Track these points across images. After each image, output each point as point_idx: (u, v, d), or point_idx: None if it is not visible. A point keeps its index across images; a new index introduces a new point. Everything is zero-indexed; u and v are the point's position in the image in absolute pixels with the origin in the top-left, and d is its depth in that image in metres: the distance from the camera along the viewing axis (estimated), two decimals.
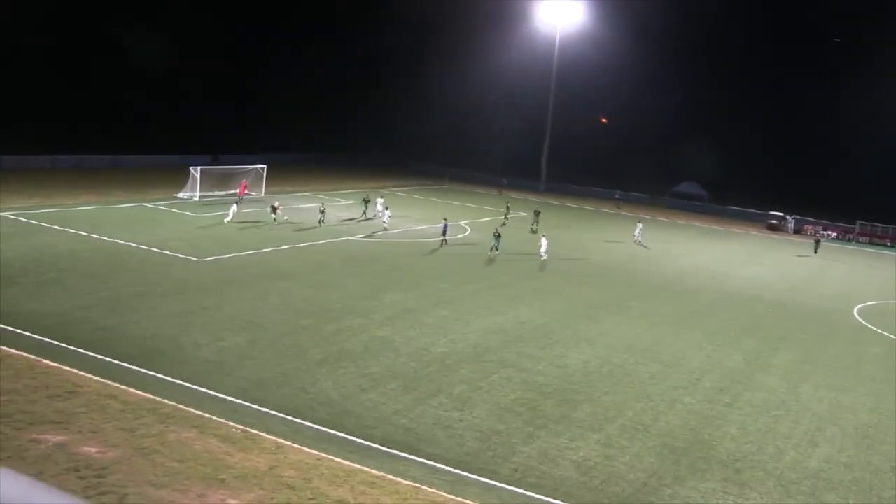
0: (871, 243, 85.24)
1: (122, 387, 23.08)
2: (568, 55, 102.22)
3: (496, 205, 77.33)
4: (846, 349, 38.13)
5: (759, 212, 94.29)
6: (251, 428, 21.50)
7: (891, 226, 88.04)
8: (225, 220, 51.90)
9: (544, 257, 49.88)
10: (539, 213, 66.84)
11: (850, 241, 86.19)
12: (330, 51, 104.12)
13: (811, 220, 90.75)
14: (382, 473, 19.91)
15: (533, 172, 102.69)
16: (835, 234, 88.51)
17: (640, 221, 67.09)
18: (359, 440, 21.94)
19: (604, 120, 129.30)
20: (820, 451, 24.73)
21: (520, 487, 20.45)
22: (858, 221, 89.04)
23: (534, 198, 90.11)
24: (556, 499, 20.05)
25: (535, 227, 63.40)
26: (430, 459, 21.35)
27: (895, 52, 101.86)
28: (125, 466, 18.44)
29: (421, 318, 34.72)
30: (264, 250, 45.02)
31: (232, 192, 61.35)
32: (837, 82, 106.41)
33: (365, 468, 20.03)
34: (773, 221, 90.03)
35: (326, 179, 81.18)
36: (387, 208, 58.23)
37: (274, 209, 54.01)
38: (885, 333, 42.15)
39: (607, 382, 29.07)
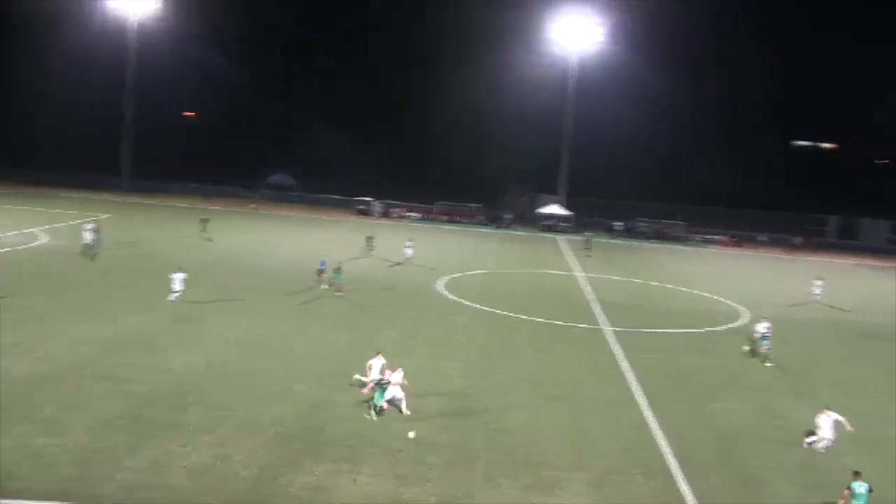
0: (450, 221, 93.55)
1: None
2: (148, 47, 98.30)
3: (77, 208, 72.32)
4: (439, 321, 41.39)
5: (349, 198, 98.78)
6: None
7: (464, 204, 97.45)
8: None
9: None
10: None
11: (431, 220, 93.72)
12: None
13: (399, 203, 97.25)
14: None
15: (109, 168, 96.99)
16: (419, 214, 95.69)
17: (410, 240, 61.03)
18: None
19: (190, 114, 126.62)
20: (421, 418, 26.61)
21: None
22: (437, 202, 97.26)
23: (118, 198, 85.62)
24: None
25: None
26: (18, 497, 19.16)
27: (477, 42, 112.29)
28: None
29: None
30: None
31: None
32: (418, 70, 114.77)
33: None
34: (362, 207, 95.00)
35: None
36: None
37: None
38: (467, 302, 46.48)
39: (217, 381, 28.58)
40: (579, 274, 61.02)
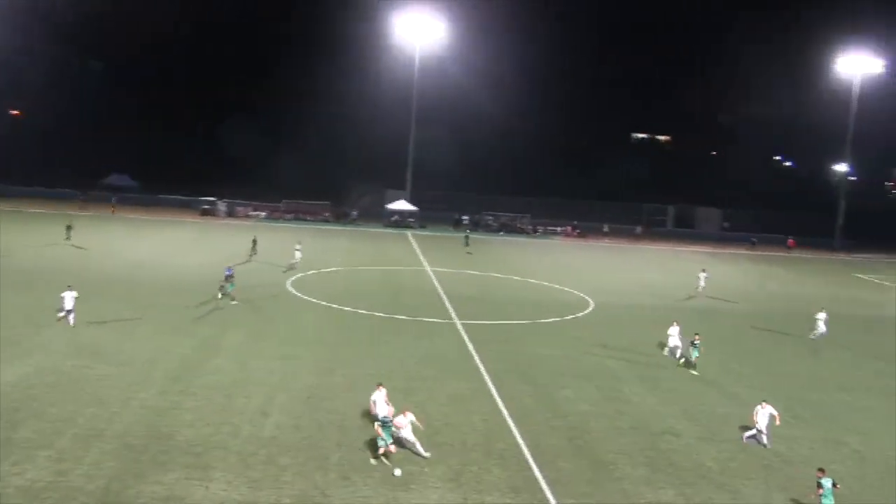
0: (296, 219, 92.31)
1: None
2: None
3: None
4: (288, 320, 40.74)
5: (192, 198, 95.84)
6: None
7: (311, 202, 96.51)
8: None
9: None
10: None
11: (278, 219, 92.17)
12: None
13: (243, 202, 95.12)
14: None
15: None
16: (265, 213, 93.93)
17: (299, 243, 59.09)
18: None
19: (16, 112, 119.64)
20: (272, 419, 26.10)
21: None
22: (284, 200, 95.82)
23: None
24: None
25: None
26: None
27: (327, 41, 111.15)
28: None
29: None
30: None
31: None
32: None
33: None
34: (207, 207, 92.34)
35: None
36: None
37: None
38: (314, 300, 46.01)
39: (53, 393, 27.03)
40: (429, 269, 61.55)
